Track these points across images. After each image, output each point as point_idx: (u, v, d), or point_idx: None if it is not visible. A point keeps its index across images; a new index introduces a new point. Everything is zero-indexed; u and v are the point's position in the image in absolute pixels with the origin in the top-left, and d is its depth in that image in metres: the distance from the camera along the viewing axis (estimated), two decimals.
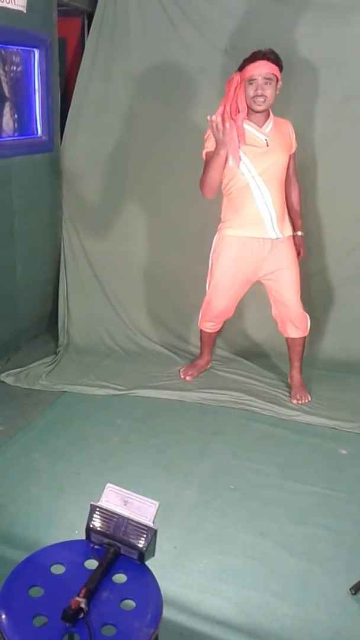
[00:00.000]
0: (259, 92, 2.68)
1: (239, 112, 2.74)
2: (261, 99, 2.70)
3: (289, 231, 2.97)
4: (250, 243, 2.93)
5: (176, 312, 3.63)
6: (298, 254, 3.08)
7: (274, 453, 2.69)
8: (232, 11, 3.24)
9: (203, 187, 2.82)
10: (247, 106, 2.75)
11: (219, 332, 3.34)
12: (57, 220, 3.66)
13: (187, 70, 3.34)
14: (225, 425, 2.90)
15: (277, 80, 2.72)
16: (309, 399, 3.10)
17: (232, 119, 2.73)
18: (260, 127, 2.81)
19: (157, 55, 3.38)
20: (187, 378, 3.28)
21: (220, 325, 3.25)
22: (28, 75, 3.32)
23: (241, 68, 2.72)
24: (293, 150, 2.95)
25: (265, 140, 2.81)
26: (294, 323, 3.05)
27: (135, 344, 3.61)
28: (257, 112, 2.76)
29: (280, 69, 2.72)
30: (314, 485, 2.47)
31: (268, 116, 2.82)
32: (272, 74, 2.68)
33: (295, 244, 3.05)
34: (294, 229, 3.04)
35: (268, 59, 2.66)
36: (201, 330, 3.29)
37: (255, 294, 3.20)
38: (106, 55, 3.44)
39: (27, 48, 3.24)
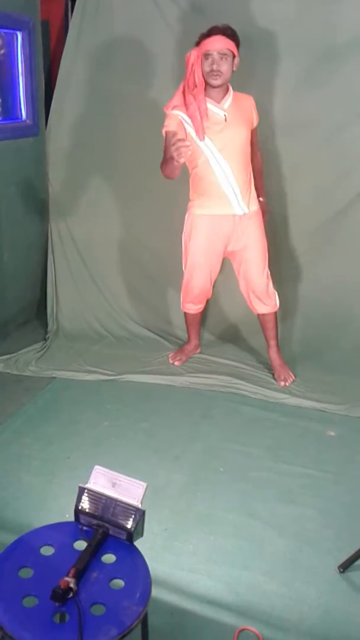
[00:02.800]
0: (214, 67, 2.67)
1: (196, 86, 2.72)
2: (216, 74, 2.68)
3: (255, 205, 2.96)
4: (219, 220, 2.94)
5: (165, 296, 3.63)
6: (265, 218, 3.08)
7: (263, 435, 2.71)
8: None
9: (163, 174, 2.79)
10: (204, 81, 2.72)
11: (203, 315, 3.35)
12: (44, 205, 3.63)
13: (172, 52, 3.31)
14: (215, 409, 2.92)
15: (234, 56, 2.69)
16: (293, 378, 3.12)
17: (191, 94, 2.72)
18: (219, 103, 2.79)
19: (142, 37, 3.34)
20: (176, 363, 3.28)
21: (202, 306, 3.25)
22: (11, 59, 3.27)
23: (198, 42, 2.70)
24: (255, 125, 2.92)
25: (225, 115, 2.79)
26: (260, 299, 3.06)
27: (124, 329, 3.61)
28: (214, 87, 2.74)
29: (237, 45, 2.69)
30: (302, 466, 2.49)
31: (227, 91, 2.80)
32: (228, 49, 2.65)
33: (263, 210, 3.06)
34: (258, 196, 3.02)
35: (224, 34, 2.65)
36: (185, 313, 3.29)
37: (229, 274, 3.20)
38: (90, 36, 3.39)
39: (9, 31, 3.19)
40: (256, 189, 3.02)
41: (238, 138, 2.83)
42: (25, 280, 3.67)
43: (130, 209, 3.57)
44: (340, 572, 1.96)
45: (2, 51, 3.24)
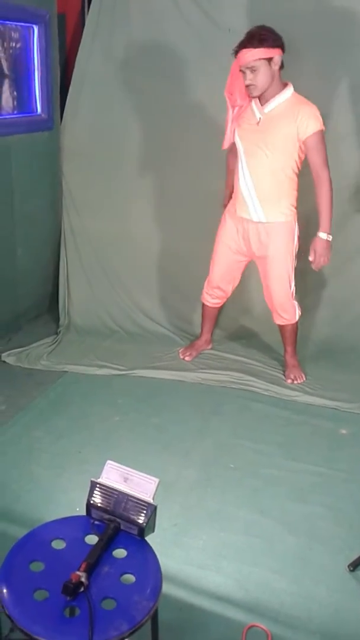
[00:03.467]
0: (247, 82, 2.68)
1: (237, 98, 2.79)
2: (252, 87, 2.69)
3: (281, 217, 2.85)
4: (240, 221, 2.96)
5: (177, 292, 3.62)
6: (314, 260, 2.83)
7: (275, 433, 2.70)
8: None
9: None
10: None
11: (219, 312, 3.34)
12: (57, 200, 3.64)
13: (189, 48, 3.29)
14: (226, 405, 2.91)
15: (268, 60, 2.64)
16: (303, 379, 3.10)
17: (230, 99, 2.79)
18: (262, 105, 2.77)
19: (159, 32, 3.33)
20: (186, 358, 3.28)
21: (219, 302, 3.25)
22: (27, 52, 3.27)
23: (235, 54, 2.71)
24: (303, 137, 2.69)
25: (259, 119, 2.76)
26: (278, 311, 3.05)
27: (135, 325, 3.61)
28: (254, 97, 2.74)
29: (270, 47, 2.62)
30: (314, 464, 2.48)
31: (278, 93, 2.72)
32: (257, 59, 2.62)
33: (313, 247, 2.81)
34: (319, 229, 2.78)
35: (248, 47, 2.61)
36: (203, 305, 3.29)
37: (253, 272, 3.19)
38: (107, 31, 3.38)
39: (25, 24, 3.19)
40: (320, 218, 2.78)
41: (268, 145, 2.75)
42: (38, 274, 3.68)
43: (143, 204, 3.57)
44: (350, 570, 1.95)
45: (17, 45, 3.24)
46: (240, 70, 2.69)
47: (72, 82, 3.48)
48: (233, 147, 2.94)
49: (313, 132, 2.68)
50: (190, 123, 3.34)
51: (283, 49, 2.67)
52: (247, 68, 2.65)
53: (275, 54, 2.64)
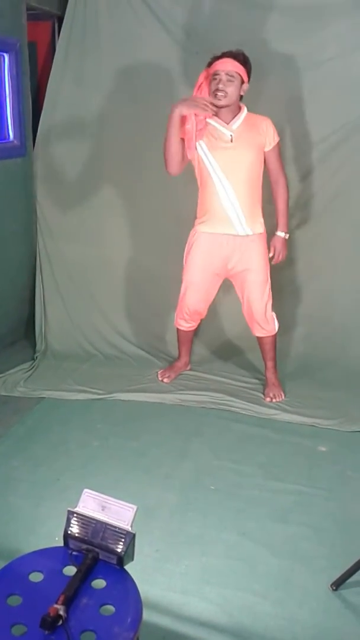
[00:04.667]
0: (220, 86, 2.72)
1: None
2: (221, 94, 2.72)
3: (260, 228, 2.97)
4: (220, 239, 2.96)
5: (154, 313, 3.62)
6: (273, 257, 3.04)
7: (255, 452, 2.70)
8: (202, 14, 3.25)
9: (164, 152, 2.89)
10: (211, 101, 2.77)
11: (195, 333, 3.35)
12: (32, 225, 3.63)
13: (159, 72, 3.34)
14: (206, 426, 2.90)
15: (243, 80, 2.74)
16: (283, 397, 3.11)
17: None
18: (227, 123, 2.82)
19: (128, 57, 3.38)
20: (165, 380, 3.27)
21: (195, 325, 3.26)
22: None
23: (209, 64, 2.77)
24: (269, 148, 2.88)
25: (230, 136, 2.82)
26: (259, 323, 3.07)
27: (113, 348, 3.60)
28: (218, 106, 2.77)
29: (248, 72, 2.74)
30: (294, 483, 2.48)
31: (238, 112, 2.83)
32: (236, 72, 2.71)
33: (273, 245, 3.03)
34: (277, 228, 3.02)
35: (234, 58, 2.71)
36: (177, 329, 3.29)
37: (230, 289, 3.21)
38: (77, 58, 3.43)
39: None
40: (278, 217, 3.02)
41: (244, 160, 2.83)
42: (14, 300, 3.66)
43: (118, 227, 3.58)
44: (333, 590, 1.94)
45: None
46: (213, 77, 2.73)
47: (43, 108, 3.51)
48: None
49: (276, 142, 2.90)
50: (162, 145, 3.37)
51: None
52: (227, 74, 2.70)
53: (247, 81, 2.77)
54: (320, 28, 3.14)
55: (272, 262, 3.04)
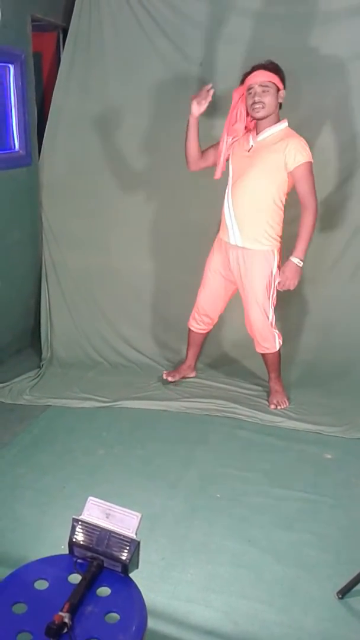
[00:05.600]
0: (256, 98, 2.74)
1: (236, 121, 2.83)
2: (259, 106, 2.74)
3: (261, 246, 2.89)
4: (223, 245, 3.02)
5: (160, 321, 3.64)
6: (282, 282, 2.90)
7: (260, 460, 2.70)
8: (205, 25, 3.27)
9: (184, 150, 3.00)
10: (249, 115, 2.81)
11: (205, 339, 3.36)
12: (37, 234, 3.66)
13: (163, 83, 3.37)
14: (211, 434, 2.91)
15: (278, 88, 2.75)
16: (287, 404, 3.12)
17: (228, 129, 2.83)
18: (257, 134, 2.84)
19: (133, 68, 3.41)
20: (169, 378, 3.30)
21: (205, 329, 3.27)
22: (4, 91, 3.32)
23: (242, 81, 2.79)
24: (290, 169, 2.74)
25: (251, 146, 2.84)
26: (258, 340, 3.08)
27: (119, 355, 3.61)
28: (257, 119, 2.80)
29: (281, 79, 2.76)
30: (299, 490, 2.48)
31: (272, 124, 2.81)
32: (270, 81, 2.73)
33: (283, 270, 2.88)
34: (292, 253, 2.84)
35: (264, 68, 2.73)
36: (189, 330, 3.31)
37: (236, 296, 3.22)
38: (82, 68, 3.46)
39: (1, 64, 3.24)
40: (296, 242, 2.82)
41: (252, 173, 2.82)
42: (20, 308, 3.68)
43: (123, 235, 3.60)
44: (339, 598, 1.94)
45: None
46: (248, 92, 2.75)
47: (49, 118, 3.54)
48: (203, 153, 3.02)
49: (301, 163, 2.74)
50: (168, 154, 3.40)
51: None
52: (260, 86, 2.72)
53: (283, 88, 2.78)
54: (325, 33, 3.15)
55: (278, 287, 2.94)
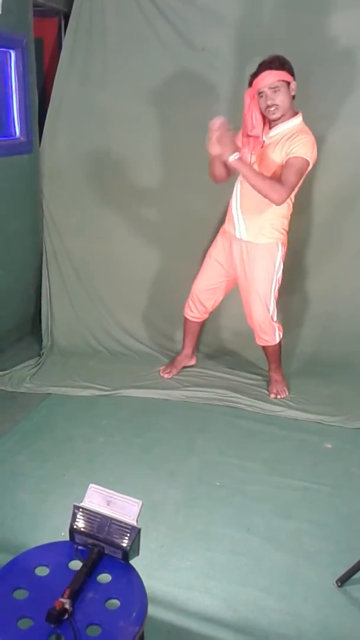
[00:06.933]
0: (269, 102, 2.69)
1: (253, 127, 2.76)
2: (273, 108, 2.70)
3: (265, 240, 2.88)
4: (227, 237, 3.01)
5: (160, 310, 3.63)
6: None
7: (260, 449, 2.70)
8: (208, 11, 3.24)
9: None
10: (264, 117, 2.76)
11: (202, 330, 3.35)
12: (38, 222, 3.64)
13: (165, 68, 3.34)
14: (211, 423, 2.91)
15: (288, 84, 2.69)
16: (287, 393, 3.12)
17: (246, 136, 2.78)
18: (269, 129, 2.80)
19: (135, 54, 3.37)
20: (165, 376, 3.29)
21: (199, 318, 3.26)
22: (4, 77, 3.29)
23: (250, 83, 2.73)
24: (287, 158, 2.70)
25: (263, 141, 2.81)
26: (258, 332, 3.07)
27: (119, 344, 3.61)
28: (274, 120, 2.76)
29: (289, 72, 2.68)
30: (299, 479, 2.49)
31: (284, 120, 2.75)
32: (279, 80, 2.66)
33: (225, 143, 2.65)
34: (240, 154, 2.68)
35: (269, 68, 2.66)
36: (184, 318, 3.29)
37: (236, 289, 3.21)
38: (84, 54, 3.42)
39: (2, 49, 3.21)
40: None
41: (260, 165, 2.79)
42: (20, 296, 3.67)
43: (124, 224, 3.58)
44: (338, 586, 1.95)
45: None
46: (259, 95, 2.70)
47: (50, 105, 3.51)
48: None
49: (296, 155, 2.67)
50: (168, 143, 3.38)
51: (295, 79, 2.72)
52: (270, 88, 2.66)
53: (293, 79, 2.70)
54: (326, 23, 3.12)
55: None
